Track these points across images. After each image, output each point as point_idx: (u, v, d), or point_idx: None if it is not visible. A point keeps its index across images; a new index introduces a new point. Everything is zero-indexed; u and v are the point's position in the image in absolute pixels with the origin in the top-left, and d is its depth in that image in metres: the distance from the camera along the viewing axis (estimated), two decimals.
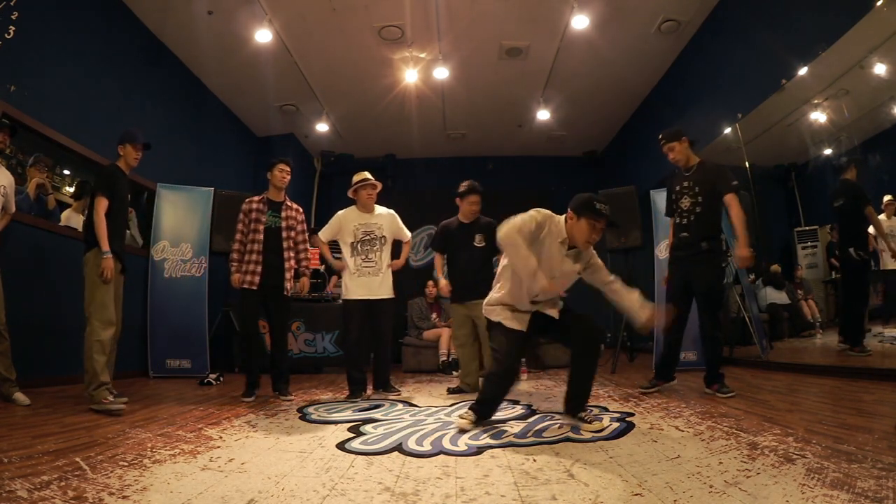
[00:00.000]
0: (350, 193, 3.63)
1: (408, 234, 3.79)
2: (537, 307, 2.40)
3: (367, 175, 3.61)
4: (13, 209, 3.14)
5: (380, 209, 3.65)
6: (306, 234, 3.60)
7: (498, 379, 2.40)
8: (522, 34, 5.25)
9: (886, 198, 3.86)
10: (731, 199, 3.01)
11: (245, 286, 3.31)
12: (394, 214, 3.70)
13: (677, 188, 3.23)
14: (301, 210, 3.60)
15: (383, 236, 3.57)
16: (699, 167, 3.16)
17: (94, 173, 3.52)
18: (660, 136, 3.26)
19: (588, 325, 2.36)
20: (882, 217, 3.86)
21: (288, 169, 3.49)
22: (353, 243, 3.53)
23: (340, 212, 3.62)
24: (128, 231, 3.73)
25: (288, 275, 3.40)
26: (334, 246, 3.71)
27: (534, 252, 2.25)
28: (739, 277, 4.61)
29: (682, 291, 3.17)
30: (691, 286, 3.11)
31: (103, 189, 2.95)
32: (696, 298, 3.13)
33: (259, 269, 3.32)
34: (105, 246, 2.87)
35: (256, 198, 3.46)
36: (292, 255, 3.45)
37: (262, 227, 3.37)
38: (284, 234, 3.42)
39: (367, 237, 3.54)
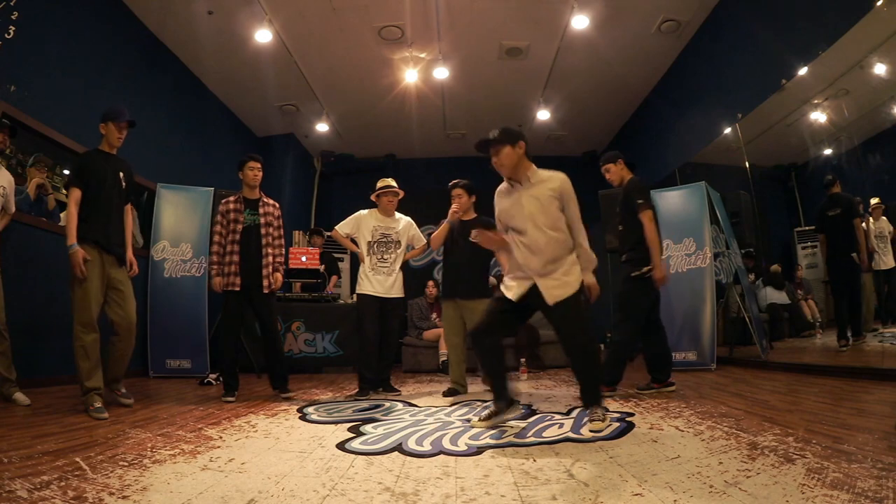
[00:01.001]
0: (373, 197, 3.71)
1: (423, 239, 3.87)
2: (540, 277, 2.26)
3: (391, 182, 3.69)
4: (13, 209, 3.13)
5: (399, 215, 3.76)
6: (282, 230, 3.58)
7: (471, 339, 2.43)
8: (522, 34, 5.25)
9: (874, 201, 3.88)
10: (641, 218, 3.02)
11: (228, 288, 3.29)
12: (411, 222, 3.79)
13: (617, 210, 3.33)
14: (278, 206, 3.57)
15: (399, 241, 3.67)
16: (624, 187, 3.23)
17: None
18: (599, 160, 3.35)
19: (578, 341, 2.25)
20: (870, 220, 3.90)
21: (258, 166, 3.43)
22: (370, 242, 3.63)
23: (362, 211, 3.70)
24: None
25: (265, 271, 3.36)
26: (333, 244, 3.71)
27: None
28: (739, 277, 4.61)
29: None
30: None
31: (72, 180, 2.85)
32: None
33: (240, 269, 3.30)
34: (70, 239, 2.70)
35: (232, 198, 3.43)
36: (270, 251, 3.42)
37: (240, 228, 3.34)
38: (263, 231, 3.39)
39: (384, 239, 3.64)
